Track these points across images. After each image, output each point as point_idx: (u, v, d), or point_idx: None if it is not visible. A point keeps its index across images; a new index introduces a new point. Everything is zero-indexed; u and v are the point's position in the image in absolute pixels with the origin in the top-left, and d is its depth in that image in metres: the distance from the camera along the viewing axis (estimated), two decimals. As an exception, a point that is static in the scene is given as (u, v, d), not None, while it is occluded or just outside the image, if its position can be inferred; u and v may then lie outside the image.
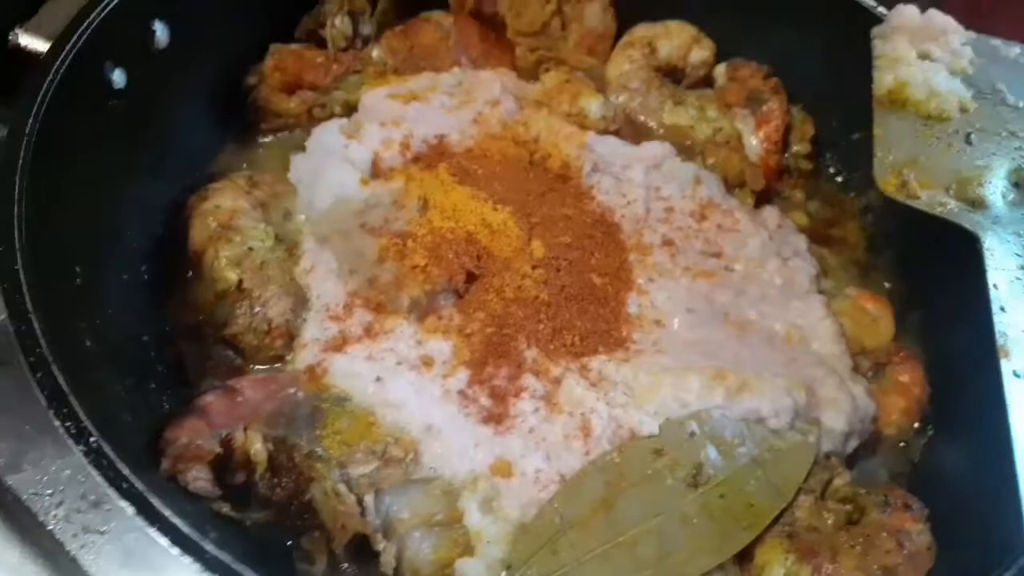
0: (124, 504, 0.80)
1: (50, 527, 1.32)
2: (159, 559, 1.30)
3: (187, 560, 0.78)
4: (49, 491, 1.35)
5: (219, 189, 1.36)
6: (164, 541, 0.79)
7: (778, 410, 1.22)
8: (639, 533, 1.08)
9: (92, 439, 0.84)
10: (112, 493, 0.82)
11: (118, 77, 1.26)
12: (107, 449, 0.84)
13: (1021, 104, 1.43)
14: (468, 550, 1.08)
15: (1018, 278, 1.20)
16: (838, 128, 1.71)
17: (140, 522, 0.80)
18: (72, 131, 1.17)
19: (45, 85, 1.13)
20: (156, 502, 0.82)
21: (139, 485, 0.82)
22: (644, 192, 1.49)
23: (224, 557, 0.78)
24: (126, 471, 0.83)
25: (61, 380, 0.88)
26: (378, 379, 1.19)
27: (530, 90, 1.62)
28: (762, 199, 1.62)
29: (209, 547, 0.79)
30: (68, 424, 0.85)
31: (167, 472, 1.03)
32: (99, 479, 0.82)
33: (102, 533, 1.32)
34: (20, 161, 1.04)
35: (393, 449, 1.12)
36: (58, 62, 1.16)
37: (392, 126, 1.44)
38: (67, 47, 1.19)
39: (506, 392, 1.20)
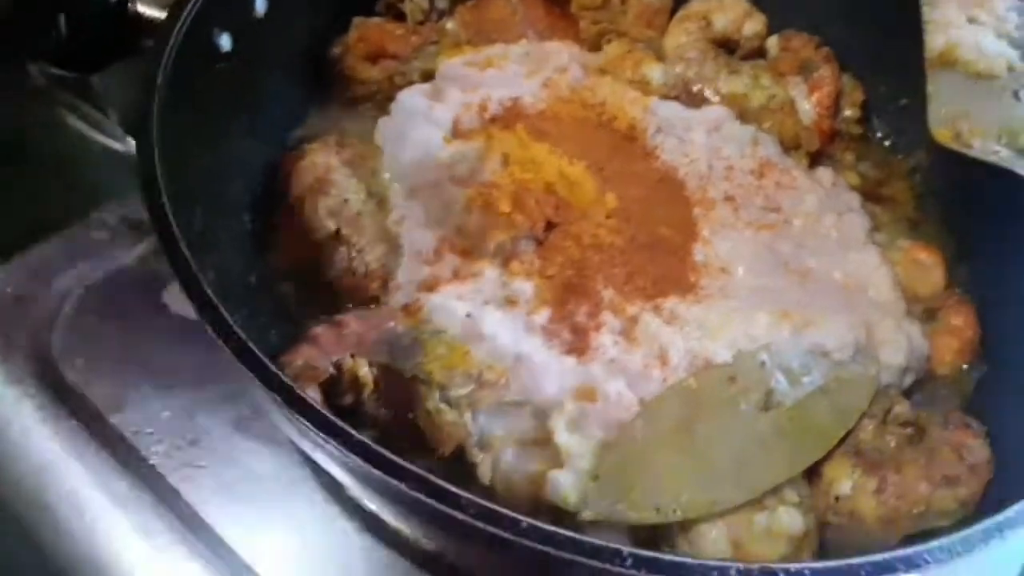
0: (274, 396, 0.90)
1: (152, 462, 1.43)
2: (248, 488, 1.41)
3: (334, 446, 0.87)
4: (150, 430, 1.46)
5: (314, 148, 1.46)
6: (310, 424, 0.88)
7: (841, 345, 1.31)
8: (717, 450, 1.16)
9: (241, 338, 0.94)
10: (259, 387, 0.91)
11: (225, 41, 1.37)
12: (253, 347, 0.94)
13: (1067, 63, 1.50)
14: (558, 464, 1.17)
15: (1068, 220, 1.28)
16: (886, 94, 1.79)
17: (287, 413, 0.89)
18: (190, 89, 1.27)
19: (168, 47, 1.24)
20: (305, 396, 0.91)
21: (285, 379, 0.92)
22: (706, 152, 1.58)
23: (369, 440, 0.88)
24: (272, 368, 0.93)
25: (210, 296, 0.98)
26: (468, 315, 1.29)
27: (594, 59, 1.72)
28: (815, 161, 1.70)
29: (354, 433, 0.88)
30: (216, 327, 0.95)
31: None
32: (248, 374, 0.92)
33: (200, 468, 1.43)
34: (155, 109, 1.15)
35: (487, 373, 1.22)
36: (177, 26, 1.27)
37: (471, 90, 1.54)
38: (183, 14, 1.30)
39: (586, 327, 1.29)
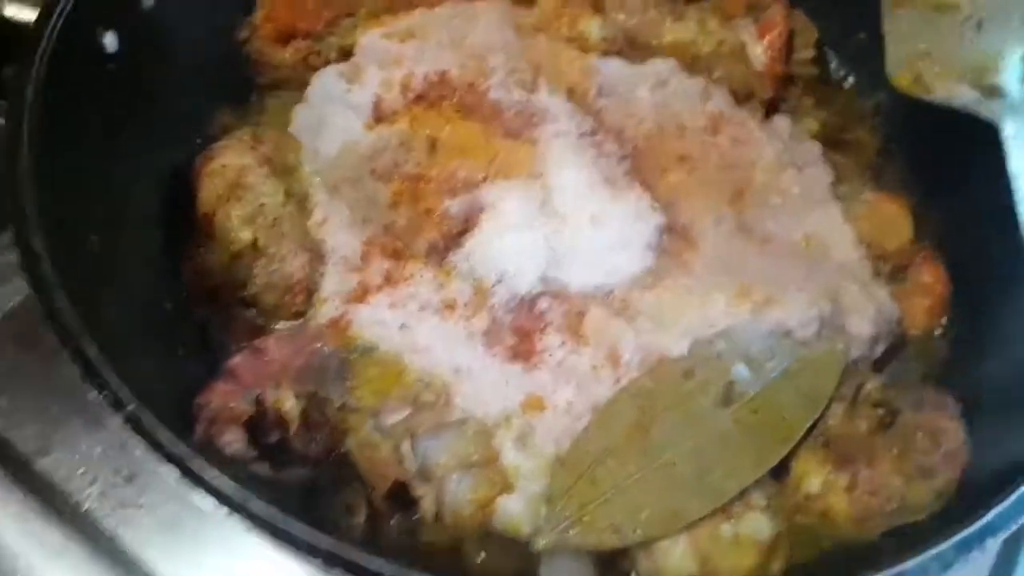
0: (167, 469, 0.81)
1: (86, 507, 1.34)
2: (191, 525, 1.32)
3: (236, 519, 0.78)
4: (82, 470, 1.37)
5: (224, 147, 1.34)
6: (210, 503, 0.79)
7: (804, 321, 1.22)
8: (676, 454, 1.08)
9: (130, 407, 0.85)
10: (155, 458, 0.82)
11: (110, 41, 1.24)
12: (145, 416, 0.84)
13: (1029, -11, 1.39)
14: (507, 487, 1.09)
15: (1040, 167, 1.18)
16: (842, 30, 1.66)
17: (185, 486, 0.80)
18: (71, 98, 1.15)
19: (39, 52, 1.11)
20: (198, 465, 0.81)
21: (180, 450, 0.82)
22: (654, 111, 1.46)
23: (272, 513, 0.79)
24: (166, 437, 0.83)
25: (92, 351, 0.88)
26: (403, 326, 1.19)
27: (527, 16, 1.58)
28: (771, 109, 1.59)
29: (255, 505, 0.79)
30: (104, 393, 0.85)
31: (202, 438, 1.04)
32: (141, 447, 0.82)
33: (139, 507, 1.34)
34: (25, 129, 1.03)
35: (424, 394, 1.13)
36: (48, 29, 1.14)
37: (392, 66, 1.41)
38: (54, 16, 1.16)
39: (530, 328, 1.20)
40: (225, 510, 0.80)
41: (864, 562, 0.88)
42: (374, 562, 0.77)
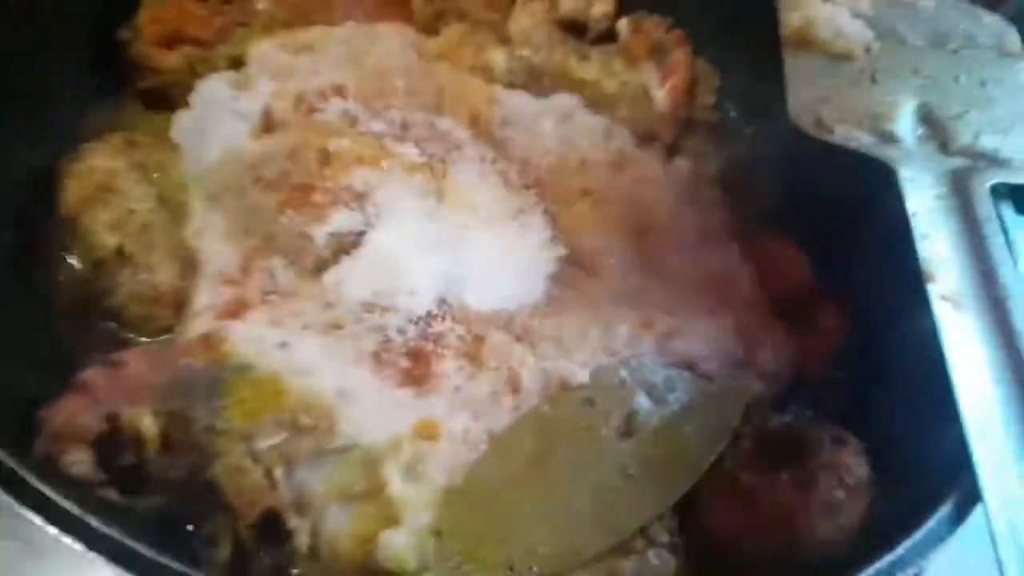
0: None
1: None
2: (30, 565, 1.16)
3: (68, 540, 0.66)
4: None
5: (93, 149, 1.22)
6: (38, 519, 0.67)
7: (707, 354, 1.19)
8: (576, 488, 1.01)
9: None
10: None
11: (-30, 21, 1.12)
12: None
13: (920, 43, 1.44)
14: (392, 520, 0.98)
15: (934, 207, 1.19)
16: (743, 80, 1.69)
17: (8, 500, 0.67)
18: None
19: None
20: (28, 477, 0.69)
21: (8, 462, 0.69)
22: (557, 144, 1.44)
23: (113, 533, 0.67)
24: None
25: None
26: (283, 344, 1.09)
27: (431, 44, 1.54)
28: (672, 152, 1.58)
29: (95, 522, 0.67)
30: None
31: (42, 455, 0.90)
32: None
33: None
34: None
35: (304, 418, 1.02)
36: None
37: (285, 78, 1.34)
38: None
39: (426, 351, 1.12)
40: (55, 529, 0.66)
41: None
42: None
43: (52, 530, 0.66)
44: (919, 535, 0.85)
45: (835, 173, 1.40)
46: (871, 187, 1.29)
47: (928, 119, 1.34)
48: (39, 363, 1.09)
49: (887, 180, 1.24)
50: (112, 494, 0.92)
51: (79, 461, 0.91)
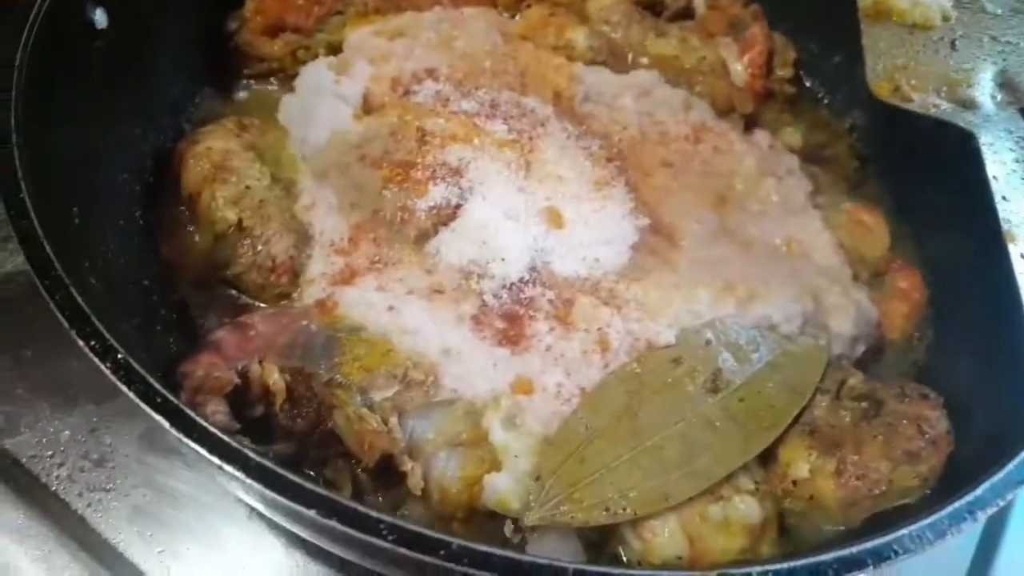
0: (159, 418, 0.78)
1: (53, 488, 1.31)
2: (166, 511, 1.29)
3: (230, 468, 0.76)
4: (50, 452, 1.34)
5: (209, 132, 1.33)
6: (203, 450, 0.77)
7: (788, 316, 1.24)
8: (664, 438, 1.07)
9: (120, 356, 0.82)
10: (146, 408, 0.79)
11: (100, 17, 1.23)
12: (135, 364, 0.81)
13: (999, 11, 1.45)
14: (495, 465, 1.07)
15: (1015, 170, 1.22)
16: (819, 52, 1.73)
17: (176, 433, 0.77)
18: (59, 69, 1.13)
19: (30, 22, 1.09)
20: (190, 413, 0.79)
21: (172, 398, 0.80)
22: (637, 118, 1.49)
23: (267, 461, 0.76)
24: (157, 385, 0.80)
25: (81, 301, 0.85)
26: (391, 308, 1.18)
27: (514, 25, 1.61)
28: (751, 124, 1.62)
29: (250, 453, 0.77)
30: (93, 343, 0.82)
31: (186, 406, 1.00)
32: (131, 395, 0.79)
33: (108, 491, 1.31)
34: (14, 104, 1.00)
35: (413, 372, 1.11)
36: (39, 2, 1.12)
37: (381, 62, 1.42)
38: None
39: (519, 314, 1.19)
40: (217, 458, 0.76)
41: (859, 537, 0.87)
42: (368, 514, 0.74)
43: (214, 459, 0.75)
44: (998, 476, 0.89)
45: (915, 140, 1.44)
46: (950, 153, 1.31)
47: (1007, 84, 1.37)
48: (171, 325, 1.20)
49: (966, 145, 1.27)
50: (246, 442, 1.02)
51: (218, 411, 1.01)
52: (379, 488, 1.08)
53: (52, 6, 1.14)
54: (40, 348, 1.40)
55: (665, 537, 1.02)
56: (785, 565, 0.78)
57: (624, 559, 1.05)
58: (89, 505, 1.30)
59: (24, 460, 1.32)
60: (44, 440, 1.34)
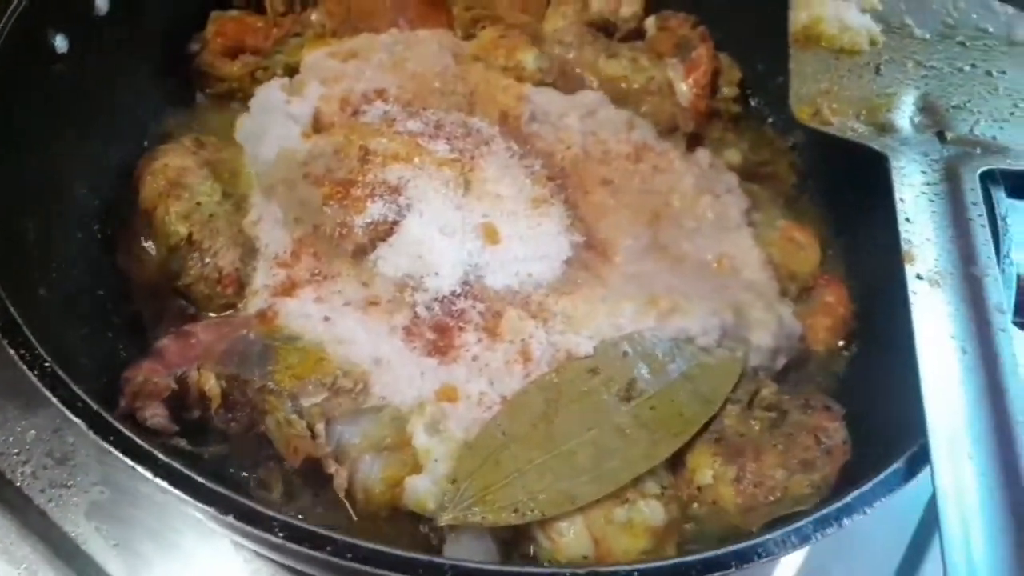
0: (79, 422, 0.85)
1: (18, 484, 1.39)
2: (123, 508, 1.37)
3: (142, 470, 0.83)
4: (16, 451, 1.42)
5: (167, 150, 1.40)
6: (117, 451, 0.84)
7: (706, 329, 1.30)
8: (577, 443, 1.14)
9: (46, 364, 0.89)
10: (68, 412, 0.86)
11: (60, 43, 1.30)
12: (61, 373, 0.89)
13: (927, 36, 1.51)
14: (416, 468, 1.14)
15: (923, 192, 1.28)
16: (764, 72, 1.78)
17: (95, 438, 0.85)
18: (17, 93, 1.20)
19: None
20: (110, 419, 0.86)
21: (93, 404, 0.87)
22: (581, 137, 1.56)
23: (178, 464, 0.83)
24: (80, 391, 0.88)
25: (14, 312, 0.92)
26: (326, 319, 1.25)
27: (467, 47, 1.68)
28: (694, 142, 1.69)
29: (161, 456, 0.84)
30: (23, 352, 0.90)
31: (125, 410, 1.08)
32: (53, 400, 0.87)
33: (68, 487, 1.39)
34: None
35: (342, 380, 1.18)
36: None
37: (332, 83, 1.50)
38: (5, 15, 1.22)
39: (450, 326, 1.26)
40: (130, 460, 0.83)
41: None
42: (261, 512, 0.81)
43: (138, 468, 0.82)
44: (867, 487, 0.96)
45: (848, 161, 1.50)
46: (879, 182, 1.37)
47: (928, 108, 1.43)
48: (123, 333, 1.28)
49: (883, 168, 1.33)
50: (183, 443, 1.10)
51: (155, 414, 1.09)
52: (308, 486, 1.15)
53: (12, 30, 1.22)
54: (7, 354, 1.49)
55: (571, 537, 1.09)
56: (651, 565, 0.84)
57: (536, 558, 1.12)
58: (50, 500, 1.38)
59: (-10, 458, 1.41)
60: (11, 439, 1.43)
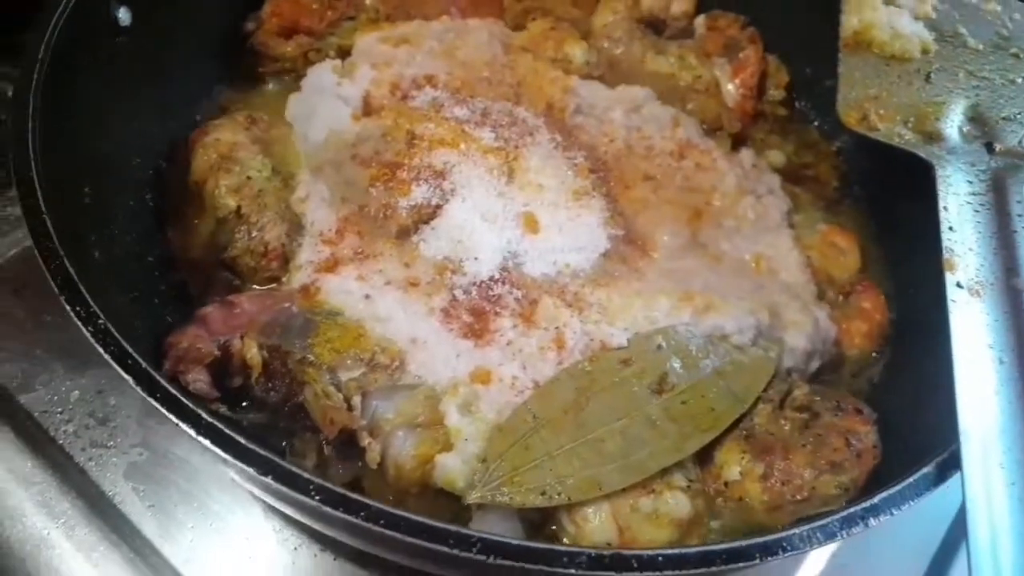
0: (128, 378, 0.88)
1: (60, 441, 1.44)
2: (159, 470, 1.41)
3: (186, 427, 0.86)
4: (59, 410, 1.47)
5: (219, 124, 1.43)
6: (163, 408, 0.87)
7: (741, 328, 1.31)
8: (606, 432, 1.15)
9: (100, 321, 0.92)
10: (119, 368, 0.89)
11: (124, 15, 1.34)
12: (114, 331, 0.92)
13: (981, 47, 1.50)
14: (447, 446, 1.16)
15: (968, 202, 1.28)
16: (812, 76, 1.78)
17: (142, 393, 0.88)
18: (81, 62, 1.24)
19: (55, 18, 1.20)
20: (159, 377, 0.89)
21: (142, 362, 0.90)
22: (625, 132, 1.57)
23: (217, 422, 0.86)
24: (131, 349, 0.91)
25: (72, 271, 0.96)
26: (367, 296, 1.27)
27: (516, 37, 1.70)
28: (739, 142, 1.69)
29: (205, 415, 0.87)
30: (78, 308, 0.93)
31: (169, 373, 1.11)
32: (105, 356, 0.90)
33: (108, 447, 1.43)
34: (34, 83, 1.12)
35: (380, 356, 1.20)
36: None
37: (383, 67, 1.52)
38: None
39: (486, 310, 1.28)
40: (175, 418, 0.86)
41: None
42: (298, 474, 0.83)
43: (182, 425, 0.85)
44: (896, 488, 0.96)
45: (894, 167, 1.49)
46: (924, 189, 1.37)
47: (978, 119, 1.42)
48: (169, 301, 1.31)
49: (929, 176, 1.33)
50: (223, 409, 1.13)
51: (198, 379, 1.11)
52: (342, 458, 1.18)
53: (77, 5, 1.25)
54: (59, 314, 1.53)
55: (596, 524, 1.10)
56: (676, 551, 0.86)
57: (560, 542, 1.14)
58: (90, 459, 1.42)
59: (36, 414, 1.46)
60: (56, 398, 1.48)
